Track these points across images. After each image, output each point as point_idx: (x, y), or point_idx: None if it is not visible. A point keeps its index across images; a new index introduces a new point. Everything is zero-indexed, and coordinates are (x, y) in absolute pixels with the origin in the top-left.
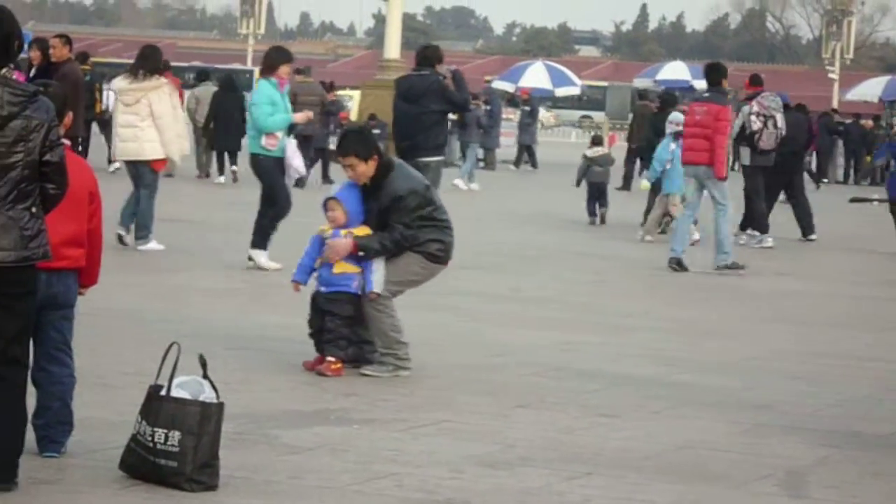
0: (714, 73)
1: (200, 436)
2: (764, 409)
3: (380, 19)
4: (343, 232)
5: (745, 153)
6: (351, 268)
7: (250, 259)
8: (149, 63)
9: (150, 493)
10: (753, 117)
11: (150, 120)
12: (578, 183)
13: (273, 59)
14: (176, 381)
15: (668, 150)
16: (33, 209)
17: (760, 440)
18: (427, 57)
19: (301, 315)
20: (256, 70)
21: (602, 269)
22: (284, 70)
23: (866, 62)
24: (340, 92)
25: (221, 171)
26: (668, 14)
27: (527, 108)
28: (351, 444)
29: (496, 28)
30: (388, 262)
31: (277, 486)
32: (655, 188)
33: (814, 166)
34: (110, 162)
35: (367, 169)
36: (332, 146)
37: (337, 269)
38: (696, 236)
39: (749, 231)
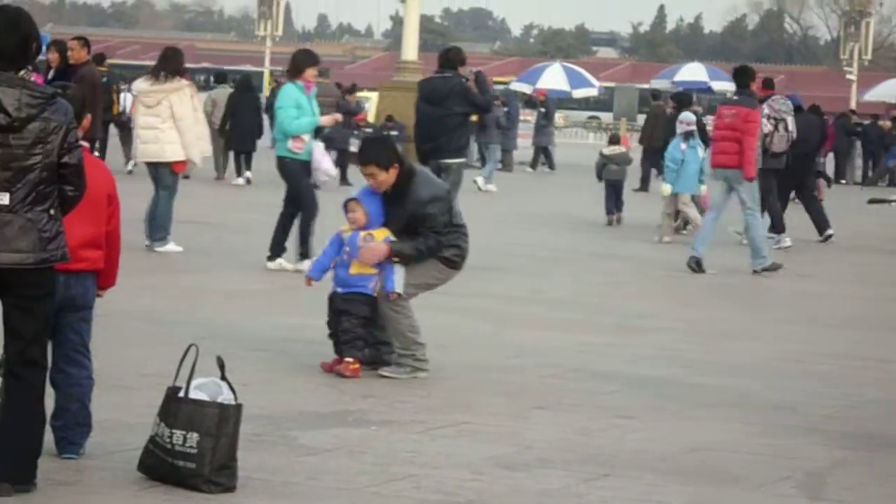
0: (742, 76)
1: (218, 437)
2: (781, 411)
3: (397, 21)
4: (363, 233)
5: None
6: (368, 269)
7: (298, 270)
8: (170, 65)
9: (169, 494)
10: (764, 120)
11: (170, 122)
12: (599, 177)
13: (299, 62)
14: (194, 382)
15: (679, 149)
16: (52, 211)
17: (777, 441)
18: (450, 59)
19: (319, 317)
20: (267, 72)
21: (619, 270)
22: (311, 73)
23: (885, 63)
24: (360, 94)
25: (239, 172)
26: (686, 15)
27: (542, 110)
28: (369, 446)
29: (514, 29)
30: (407, 265)
31: (295, 488)
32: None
33: (832, 168)
34: (127, 162)
35: (387, 177)
36: (353, 148)
37: (354, 270)
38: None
39: (766, 233)
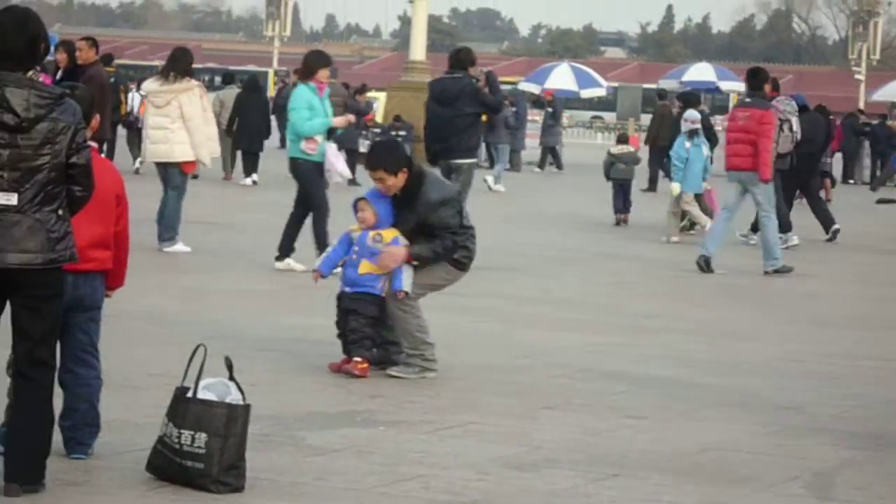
0: (756, 78)
1: (227, 437)
2: (789, 411)
3: (405, 21)
4: (371, 233)
5: None
6: (376, 269)
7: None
8: (179, 65)
9: (177, 494)
10: None
11: (180, 122)
12: (607, 177)
13: (312, 63)
14: (202, 382)
15: (684, 147)
16: (60, 211)
17: (786, 441)
18: (460, 60)
19: (327, 317)
20: (271, 71)
21: (627, 270)
22: (323, 74)
23: (893, 63)
24: (369, 94)
25: (247, 172)
26: (694, 15)
27: (549, 110)
28: (377, 446)
29: (522, 29)
30: (424, 268)
31: (303, 488)
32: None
33: (840, 167)
34: (134, 161)
35: (396, 182)
36: (362, 148)
37: (362, 270)
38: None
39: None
